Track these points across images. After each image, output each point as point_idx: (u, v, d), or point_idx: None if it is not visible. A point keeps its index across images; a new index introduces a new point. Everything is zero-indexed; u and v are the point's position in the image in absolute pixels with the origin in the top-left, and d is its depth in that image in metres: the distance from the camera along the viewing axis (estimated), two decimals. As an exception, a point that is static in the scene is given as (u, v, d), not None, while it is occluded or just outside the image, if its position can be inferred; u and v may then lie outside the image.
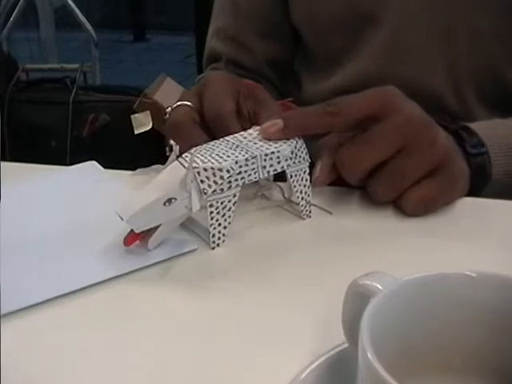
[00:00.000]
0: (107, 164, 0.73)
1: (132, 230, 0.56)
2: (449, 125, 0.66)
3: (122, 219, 0.55)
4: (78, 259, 0.58)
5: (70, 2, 2.79)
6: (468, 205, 0.64)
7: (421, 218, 0.62)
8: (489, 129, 0.68)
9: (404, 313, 0.36)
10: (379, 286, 0.37)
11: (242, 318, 0.51)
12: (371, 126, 0.61)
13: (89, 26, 2.69)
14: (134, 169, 0.71)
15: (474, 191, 0.65)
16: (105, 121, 2.11)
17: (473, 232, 0.61)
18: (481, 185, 0.66)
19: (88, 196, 0.68)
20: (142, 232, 0.56)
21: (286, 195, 0.65)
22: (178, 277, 0.56)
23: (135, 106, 1.92)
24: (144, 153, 1.33)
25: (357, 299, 0.38)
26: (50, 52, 3.13)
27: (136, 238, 0.56)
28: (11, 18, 2.69)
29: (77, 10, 2.73)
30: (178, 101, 0.68)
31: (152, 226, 0.56)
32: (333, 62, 0.90)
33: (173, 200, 0.55)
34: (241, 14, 0.95)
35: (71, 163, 0.74)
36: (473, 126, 0.66)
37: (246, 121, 0.66)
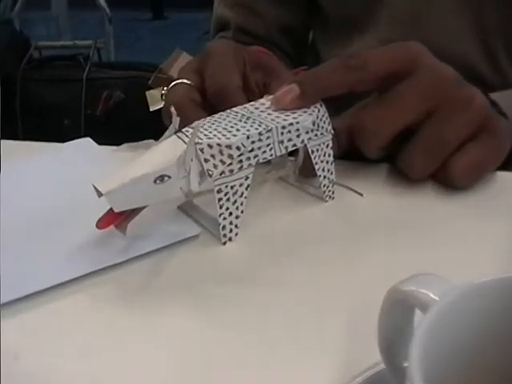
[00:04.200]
0: (122, 142, 0.66)
1: (110, 210, 0.46)
2: None
3: (101, 194, 0.45)
4: (51, 254, 0.49)
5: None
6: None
7: (465, 197, 0.54)
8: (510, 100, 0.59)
9: (468, 331, 0.27)
10: (430, 294, 0.27)
11: (253, 331, 0.41)
12: (397, 84, 0.52)
13: (102, 2, 2.60)
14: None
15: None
16: (119, 98, 2.03)
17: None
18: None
19: (80, 176, 0.59)
20: (123, 213, 0.46)
21: (297, 173, 0.56)
22: (174, 276, 0.47)
23: (150, 81, 1.83)
24: (160, 130, 1.27)
25: (398, 311, 0.29)
26: (64, 31, 3.06)
27: (112, 221, 0.46)
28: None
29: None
30: (176, 78, 0.60)
31: (135, 206, 0.46)
32: (352, 28, 0.82)
33: (166, 178, 0.46)
34: None
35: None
36: (493, 95, 0.58)
37: (255, 94, 0.58)
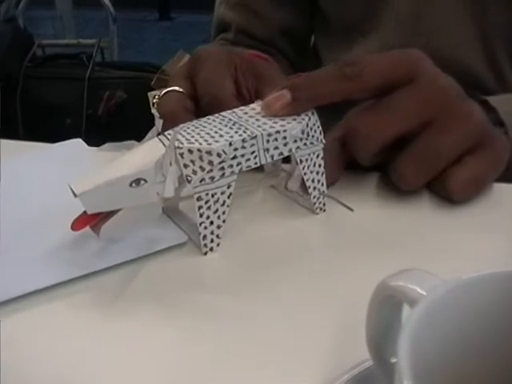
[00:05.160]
0: (123, 142, 0.65)
1: (85, 212, 0.44)
2: None
3: (75, 195, 0.43)
4: (26, 259, 0.47)
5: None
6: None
7: (460, 209, 0.52)
8: (508, 106, 0.57)
9: (456, 326, 0.25)
10: (418, 289, 0.26)
11: (235, 342, 0.39)
12: (396, 90, 0.50)
13: (106, 1, 2.59)
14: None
15: None
16: (121, 98, 2.02)
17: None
18: None
19: (63, 177, 0.58)
20: (98, 215, 0.45)
21: (288, 185, 0.54)
22: (153, 285, 0.45)
23: (153, 82, 1.82)
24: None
25: (386, 306, 0.28)
26: (68, 30, 3.05)
27: (86, 223, 0.44)
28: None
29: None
30: (167, 86, 0.58)
31: (110, 208, 0.45)
32: (353, 32, 0.80)
33: (142, 181, 0.44)
34: None
35: (86, 142, 0.66)
36: (492, 100, 0.56)
37: (246, 101, 0.55)
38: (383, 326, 0.28)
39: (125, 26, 2.95)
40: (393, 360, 0.28)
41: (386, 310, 0.28)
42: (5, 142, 0.67)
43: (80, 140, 0.65)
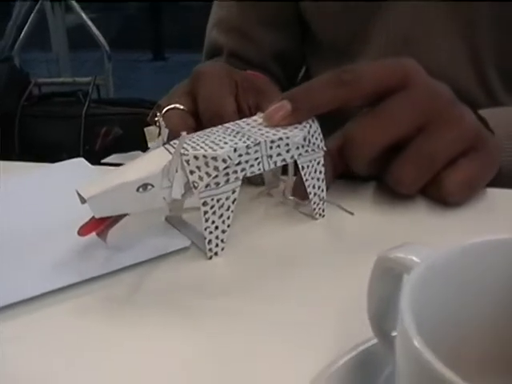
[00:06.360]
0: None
1: (93, 218, 0.45)
2: None
3: (84, 200, 0.44)
4: (34, 265, 0.48)
5: (86, 18, 2.73)
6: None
7: (455, 213, 0.53)
8: (498, 118, 0.59)
9: (455, 290, 0.26)
10: (417, 260, 0.27)
11: (239, 344, 0.40)
12: (389, 97, 0.52)
13: (102, 40, 2.62)
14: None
15: None
16: (117, 133, 2.03)
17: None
18: None
19: (68, 192, 0.59)
20: (105, 221, 0.45)
21: (286, 192, 0.55)
22: (159, 289, 0.45)
23: (148, 118, 1.82)
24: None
25: (387, 279, 0.29)
26: (64, 70, 3.07)
27: (93, 228, 0.45)
28: (22, 33, 2.63)
29: (90, 23, 2.67)
30: (169, 103, 0.59)
31: (117, 213, 0.46)
32: (344, 55, 0.81)
33: (149, 187, 0.45)
34: (245, 3, 0.87)
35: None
36: (482, 112, 0.57)
37: (246, 118, 0.56)
38: (384, 299, 0.29)
39: (120, 66, 2.96)
40: (393, 333, 0.29)
41: (387, 282, 0.29)
42: (8, 163, 0.68)
43: (82, 159, 0.66)
